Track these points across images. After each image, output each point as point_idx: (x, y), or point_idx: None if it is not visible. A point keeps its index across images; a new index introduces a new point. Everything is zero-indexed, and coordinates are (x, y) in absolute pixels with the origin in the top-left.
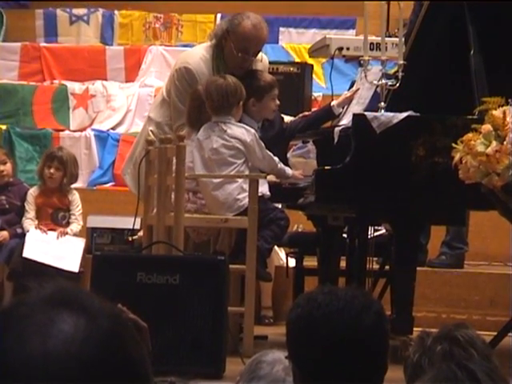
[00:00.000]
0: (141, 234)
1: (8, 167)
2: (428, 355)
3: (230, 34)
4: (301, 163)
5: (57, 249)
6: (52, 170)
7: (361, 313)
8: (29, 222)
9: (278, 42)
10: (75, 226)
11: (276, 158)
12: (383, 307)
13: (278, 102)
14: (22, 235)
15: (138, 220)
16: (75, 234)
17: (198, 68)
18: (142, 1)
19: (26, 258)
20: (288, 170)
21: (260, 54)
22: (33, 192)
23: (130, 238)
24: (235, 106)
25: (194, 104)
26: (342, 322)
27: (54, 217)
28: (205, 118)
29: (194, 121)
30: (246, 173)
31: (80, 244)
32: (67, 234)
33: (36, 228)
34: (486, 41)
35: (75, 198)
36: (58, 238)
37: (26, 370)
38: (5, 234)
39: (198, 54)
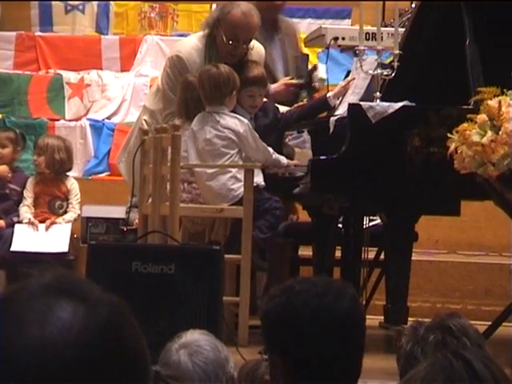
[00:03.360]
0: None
1: (6, 152)
2: (421, 345)
3: (220, 22)
4: (296, 153)
5: (43, 236)
6: (35, 157)
7: (338, 297)
8: (25, 210)
9: None
10: (70, 215)
11: (270, 149)
12: (357, 293)
13: (257, 103)
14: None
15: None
16: (68, 222)
17: (190, 57)
18: None
19: (14, 251)
20: (283, 160)
21: (252, 42)
22: (32, 180)
23: (125, 228)
24: (228, 96)
25: (192, 96)
26: (321, 306)
27: (51, 205)
28: (203, 110)
29: (192, 113)
30: (240, 163)
31: (66, 227)
32: (56, 223)
33: (29, 222)
34: (482, 30)
35: (74, 186)
36: (46, 229)
37: (23, 357)
38: (1, 222)
39: (190, 43)
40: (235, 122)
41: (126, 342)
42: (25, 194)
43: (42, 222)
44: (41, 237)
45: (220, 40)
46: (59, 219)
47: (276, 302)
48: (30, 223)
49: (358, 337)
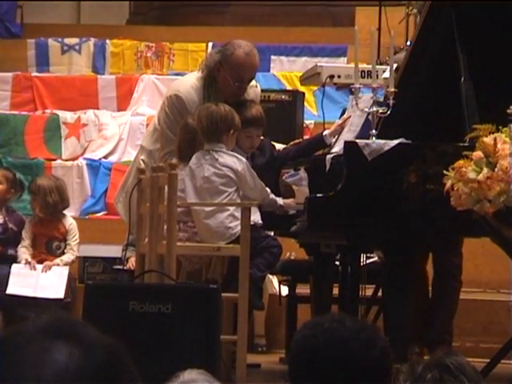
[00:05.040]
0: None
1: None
2: (419, 383)
3: (223, 64)
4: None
5: (40, 280)
6: (30, 199)
7: (365, 346)
8: (23, 251)
9: (269, 70)
10: (67, 257)
11: (268, 189)
12: (388, 345)
13: (255, 143)
14: (14, 260)
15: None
16: (66, 264)
17: (189, 96)
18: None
19: (9, 295)
20: (279, 201)
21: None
22: (30, 220)
23: (121, 267)
24: (225, 134)
25: (186, 137)
26: (345, 352)
27: (49, 246)
28: (196, 152)
29: (185, 154)
30: (238, 201)
31: (64, 272)
32: (55, 265)
33: (26, 263)
34: (477, 67)
35: (72, 227)
36: (42, 271)
37: None
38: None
39: (189, 82)
40: (234, 161)
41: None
42: (23, 235)
43: (39, 262)
44: (37, 280)
45: (223, 81)
46: (57, 260)
47: (303, 334)
48: (27, 263)
49: None
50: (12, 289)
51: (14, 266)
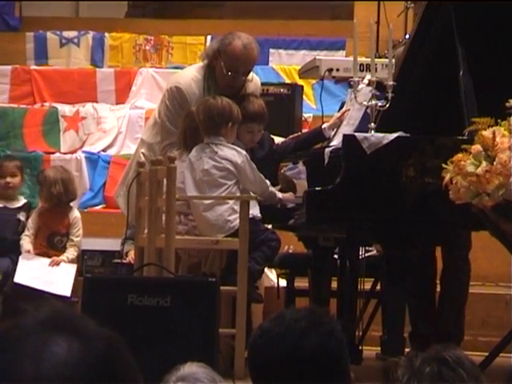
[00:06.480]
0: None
1: (16, 181)
2: (417, 377)
3: (220, 53)
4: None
5: (48, 274)
6: (38, 189)
7: (301, 336)
8: (26, 240)
9: (268, 64)
10: (71, 253)
11: (268, 181)
12: (336, 327)
13: (256, 138)
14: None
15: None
16: (71, 261)
17: (189, 88)
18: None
19: (16, 283)
20: (278, 194)
21: (251, 74)
22: (37, 210)
23: (119, 261)
24: (223, 127)
25: (190, 125)
26: (282, 346)
27: (50, 239)
28: (200, 141)
29: (189, 142)
30: (237, 194)
31: (71, 269)
32: (62, 261)
33: (30, 251)
34: (476, 60)
35: (76, 221)
36: (49, 265)
37: None
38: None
39: (189, 75)
40: (233, 153)
41: (122, 377)
42: (28, 224)
43: (40, 255)
44: (45, 274)
45: (219, 71)
46: (63, 257)
47: (249, 341)
48: (28, 252)
49: (327, 378)
50: (20, 278)
51: (23, 256)
